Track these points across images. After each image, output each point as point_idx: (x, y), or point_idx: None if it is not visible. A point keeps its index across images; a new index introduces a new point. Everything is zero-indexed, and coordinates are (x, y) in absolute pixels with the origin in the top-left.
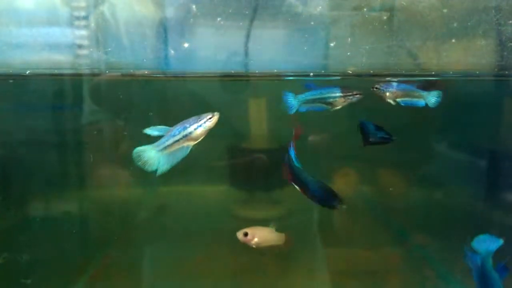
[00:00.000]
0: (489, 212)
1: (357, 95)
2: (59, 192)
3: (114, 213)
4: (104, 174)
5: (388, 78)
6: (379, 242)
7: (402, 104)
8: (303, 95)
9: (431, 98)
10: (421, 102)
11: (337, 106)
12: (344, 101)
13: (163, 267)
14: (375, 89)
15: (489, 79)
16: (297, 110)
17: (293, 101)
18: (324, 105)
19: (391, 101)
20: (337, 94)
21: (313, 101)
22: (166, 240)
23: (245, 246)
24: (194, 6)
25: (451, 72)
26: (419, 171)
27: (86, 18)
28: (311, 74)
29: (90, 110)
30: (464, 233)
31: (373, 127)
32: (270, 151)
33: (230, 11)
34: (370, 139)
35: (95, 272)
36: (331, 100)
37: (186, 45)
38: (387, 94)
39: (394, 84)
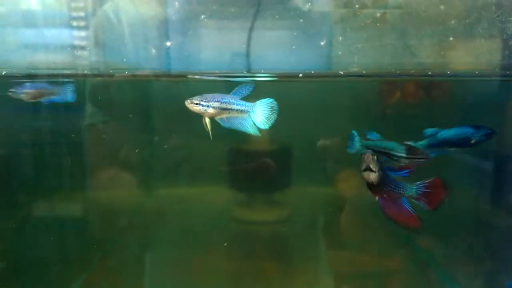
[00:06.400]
0: (494, 215)
1: (423, 159)
2: (54, 193)
3: (112, 215)
4: (103, 176)
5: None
6: (381, 245)
7: (44, 102)
8: (366, 142)
9: (66, 91)
10: (54, 98)
11: (401, 163)
12: (408, 162)
13: (162, 270)
14: (10, 93)
15: (491, 79)
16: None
17: (356, 144)
18: (386, 157)
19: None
20: (401, 154)
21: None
22: (166, 242)
23: (245, 248)
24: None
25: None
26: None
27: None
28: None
29: (91, 112)
30: (466, 236)
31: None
32: (272, 153)
33: (214, 8)
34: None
35: (91, 275)
36: (395, 157)
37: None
38: (24, 95)
39: (28, 84)
